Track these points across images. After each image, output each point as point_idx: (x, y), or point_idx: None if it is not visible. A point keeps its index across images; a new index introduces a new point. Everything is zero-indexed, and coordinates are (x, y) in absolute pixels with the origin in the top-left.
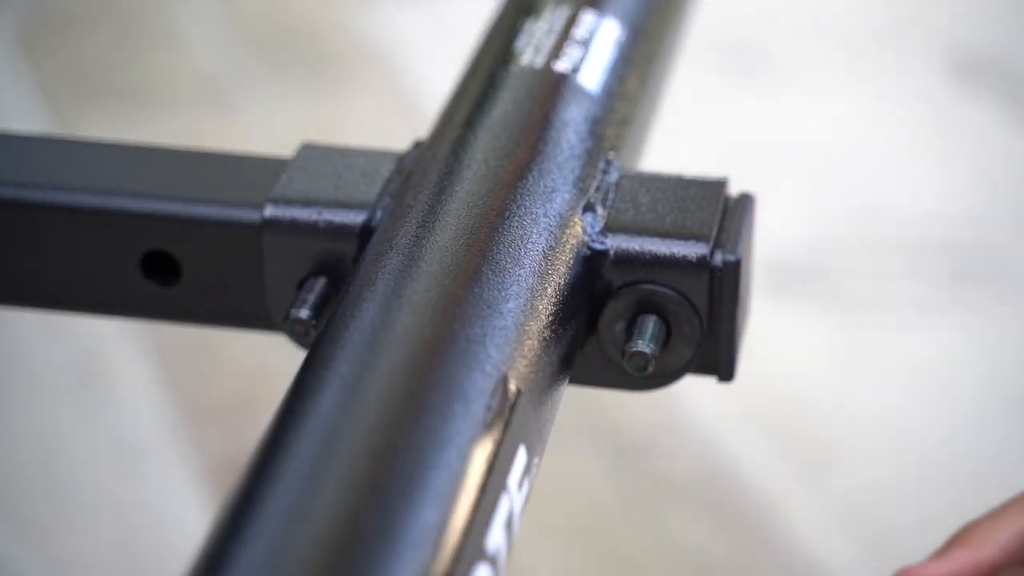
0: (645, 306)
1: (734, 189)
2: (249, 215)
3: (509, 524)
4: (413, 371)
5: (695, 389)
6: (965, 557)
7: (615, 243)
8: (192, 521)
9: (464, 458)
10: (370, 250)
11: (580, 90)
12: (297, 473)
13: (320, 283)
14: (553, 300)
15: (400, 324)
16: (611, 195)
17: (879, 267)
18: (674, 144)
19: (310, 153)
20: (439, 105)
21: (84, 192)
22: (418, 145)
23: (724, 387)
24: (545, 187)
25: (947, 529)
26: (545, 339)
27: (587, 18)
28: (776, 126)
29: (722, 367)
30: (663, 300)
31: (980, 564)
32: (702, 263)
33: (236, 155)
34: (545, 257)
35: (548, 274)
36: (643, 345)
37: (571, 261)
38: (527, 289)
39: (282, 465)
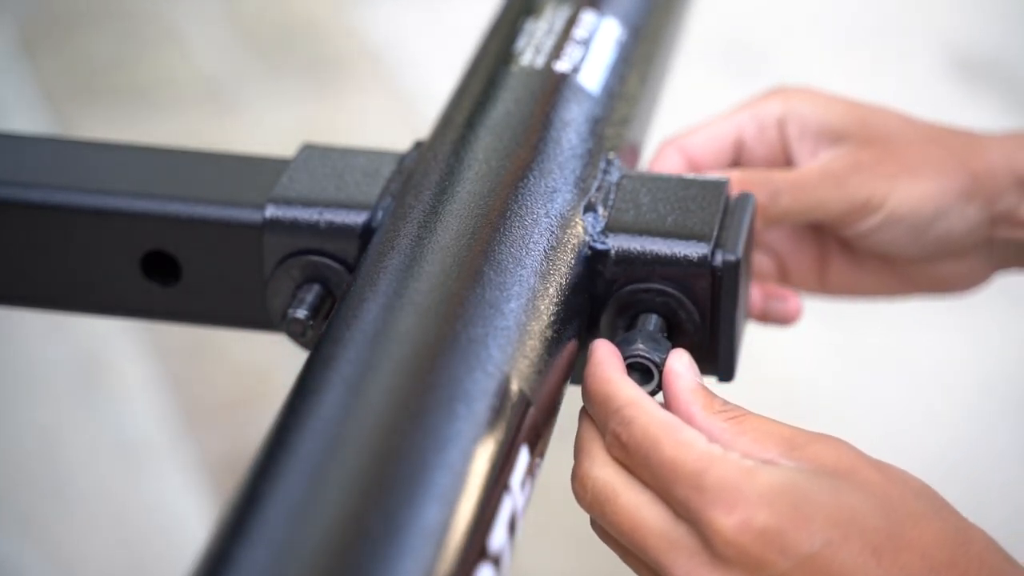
0: (646, 305)
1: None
2: (250, 215)
3: (512, 524)
4: (415, 371)
5: None
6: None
7: (616, 243)
8: (193, 519)
9: (467, 458)
10: (371, 250)
11: (580, 90)
12: (300, 473)
13: (319, 283)
14: (555, 300)
15: (402, 324)
16: (612, 195)
17: None
18: None
19: (311, 153)
20: (439, 105)
21: (84, 192)
22: (419, 145)
23: (724, 387)
24: (546, 187)
25: None
26: (547, 339)
27: (587, 18)
28: None
29: (722, 367)
30: (664, 299)
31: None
32: (703, 263)
33: (236, 155)
34: (547, 257)
35: (550, 274)
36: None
37: (572, 261)
38: (529, 289)
39: (285, 465)
